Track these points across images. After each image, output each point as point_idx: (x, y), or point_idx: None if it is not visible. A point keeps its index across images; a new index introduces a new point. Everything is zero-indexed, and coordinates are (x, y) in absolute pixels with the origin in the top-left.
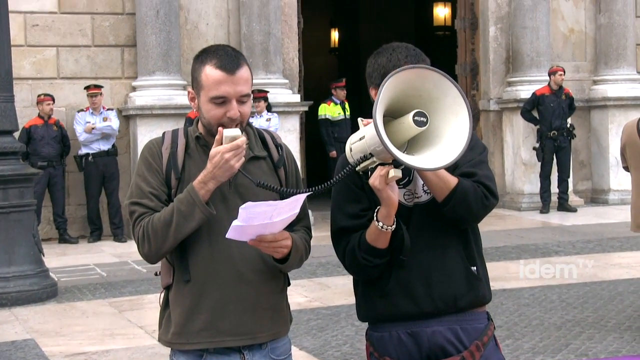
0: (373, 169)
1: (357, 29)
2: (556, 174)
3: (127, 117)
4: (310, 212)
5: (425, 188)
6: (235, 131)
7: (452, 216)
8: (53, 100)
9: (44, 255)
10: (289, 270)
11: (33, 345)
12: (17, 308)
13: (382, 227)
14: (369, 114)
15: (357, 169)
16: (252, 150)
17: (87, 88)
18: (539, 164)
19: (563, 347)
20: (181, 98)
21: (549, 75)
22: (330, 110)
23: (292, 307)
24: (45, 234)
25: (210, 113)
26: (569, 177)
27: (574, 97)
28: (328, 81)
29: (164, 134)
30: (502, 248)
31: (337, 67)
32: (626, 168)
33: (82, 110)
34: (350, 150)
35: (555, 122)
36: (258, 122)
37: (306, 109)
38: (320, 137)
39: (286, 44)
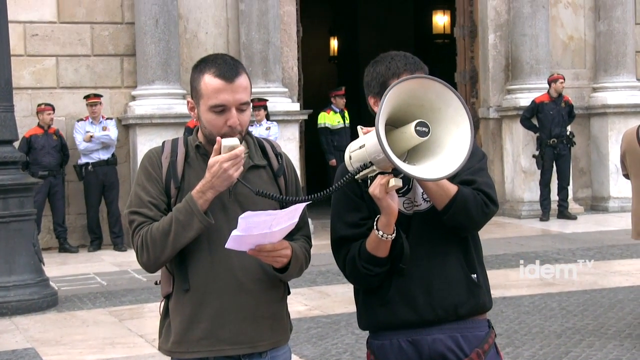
0: (373, 178)
1: (356, 37)
2: (556, 181)
3: (127, 127)
4: (310, 220)
5: (425, 196)
6: (234, 141)
7: (453, 224)
8: (53, 109)
9: (44, 265)
10: (289, 280)
11: (33, 354)
12: (17, 317)
13: (382, 236)
14: (368, 123)
15: (356, 177)
16: (252, 159)
17: (86, 97)
18: (539, 171)
19: (563, 355)
20: (181, 107)
21: (549, 83)
22: (330, 119)
23: (292, 316)
24: (45, 243)
25: (210, 122)
26: (568, 184)
27: (574, 105)
28: (327, 90)
29: (163, 143)
30: (502, 256)
31: (337, 76)
32: (626, 176)
33: (81, 119)
34: (350, 158)
35: (555, 129)
36: (258, 131)
37: (305, 117)
38: (319, 146)
39: (285, 52)
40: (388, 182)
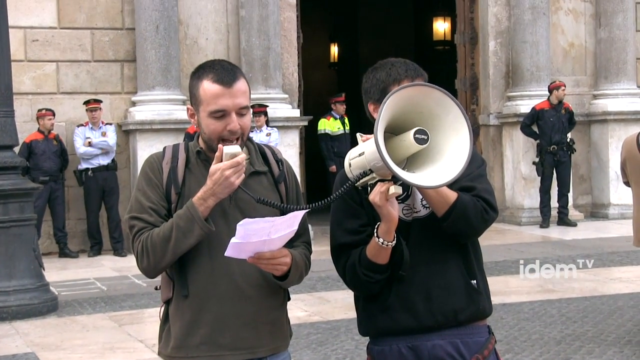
0: (373, 185)
1: (356, 43)
2: (556, 188)
3: (127, 132)
4: (310, 226)
5: (424, 203)
6: (235, 148)
7: (452, 231)
8: (54, 114)
9: (44, 269)
10: (289, 287)
11: (34, 359)
12: (17, 322)
13: (382, 243)
14: (368, 129)
15: (356, 184)
16: (253, 165)
17: (86, 103)
18: (539, 178)
19: None
20: (181, 113)
21: (550, 90)
22: (330, 125)
23: (291, 322)
24: (45, 248)
25: (211, 127)
26: (569, 191)
27: (574, 112)
28: (327, 96)
29: (164, 148)
30: (502, 262)
31: (337, 82)
32: (627, 183)
33: (81, 125)
34: (350, 166)
35: (555, 136)
36: (258, 137)
37: (306, 123)
38: (319, 152)
39: (286, 58)
40: (388, 189)
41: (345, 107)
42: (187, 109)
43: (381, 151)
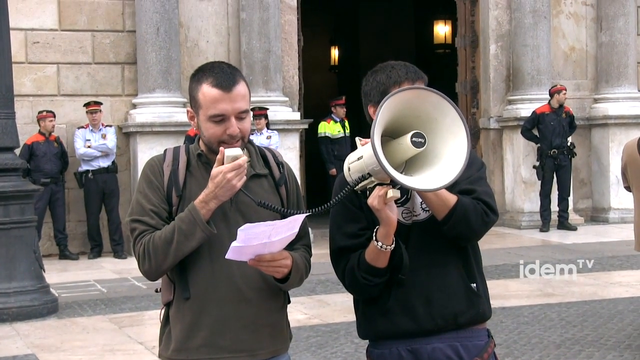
0: (371, 189)
1: (357, 47)
2: (556, 192)
3: (128, 135)
4: (310, 229)
5: (424, 206)
6: (237, 150)
7: (453, 234)
8: (54, 116)
9: (44, 271)
10: (289, 289)
11: None
12: (18, 323)
13: (381, 247)
14: (368, 132)
15: (355, 188)
16: (254, 168)
17: (86, 105)
18: (539, 182)
19: None
20: (181, 115)
21: (551, 94)
22: (330, 128)
23: (291, 324)
24: (45, 250)
25: (210, 131)
26: (569, 195)
27: (575, 116)
28: (328, 99)
29: (165, 151)
30: (502, 266)
31: (337, 85)
32: (627, 188)
33: (81, 127)
34: (349, 169)
35: (556, 140)
36: (258, 140)
37: (306, 126)
38: (320, 155)
39: (286, 61)
40: (386, 193)
41: (345, 110)
42: (187, 111)
43: (378, 154)
